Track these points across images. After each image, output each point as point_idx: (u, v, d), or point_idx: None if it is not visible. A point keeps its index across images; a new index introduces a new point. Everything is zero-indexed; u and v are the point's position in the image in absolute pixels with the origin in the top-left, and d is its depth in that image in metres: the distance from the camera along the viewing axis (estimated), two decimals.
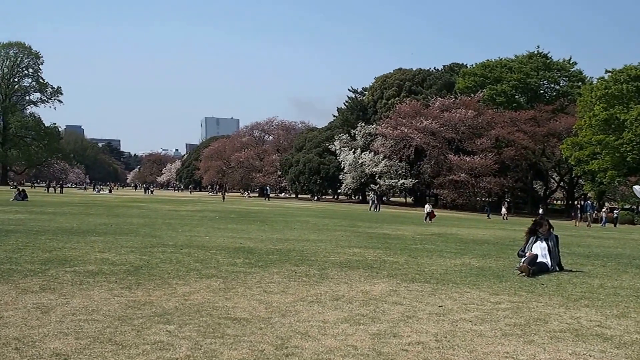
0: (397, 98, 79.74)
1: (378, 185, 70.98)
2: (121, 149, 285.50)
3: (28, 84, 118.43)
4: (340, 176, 77.60)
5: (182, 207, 37.41)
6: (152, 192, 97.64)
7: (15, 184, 75.88)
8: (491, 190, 64.23)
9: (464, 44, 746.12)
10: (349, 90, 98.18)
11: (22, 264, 9.70)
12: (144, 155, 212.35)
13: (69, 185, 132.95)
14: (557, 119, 63.59)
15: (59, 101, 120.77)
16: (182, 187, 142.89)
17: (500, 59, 75.18)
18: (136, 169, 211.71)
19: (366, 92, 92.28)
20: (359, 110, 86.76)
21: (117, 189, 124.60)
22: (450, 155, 65.57)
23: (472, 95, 70.19)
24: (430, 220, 34.01)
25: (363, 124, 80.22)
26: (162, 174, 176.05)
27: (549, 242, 11.37)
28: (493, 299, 8.10)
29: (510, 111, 66.46)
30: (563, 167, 69.07)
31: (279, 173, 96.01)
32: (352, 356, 5.17)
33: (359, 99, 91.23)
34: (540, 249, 11.32)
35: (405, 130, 67.83)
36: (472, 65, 79.89)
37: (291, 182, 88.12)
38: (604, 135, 51.81)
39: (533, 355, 5.39)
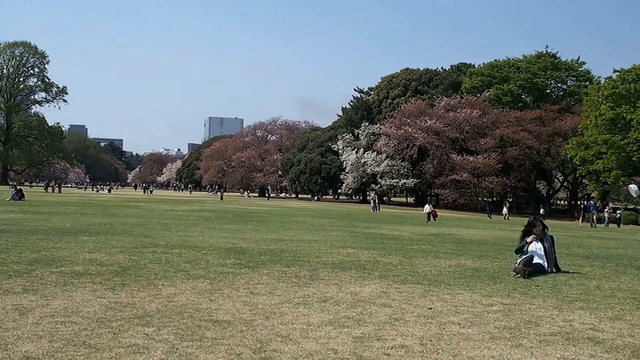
0: (402, 98, 79.52)
1: (379, 185, 70.78)
2: (123, 149, 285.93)
3: (33, 84, 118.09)
4: (342, 176, 77.43)
5: (180, 207, 37.30)
6: (151, 191, 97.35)
7: (14, 183, 75.50)
8: (493, 190, 63.98)
9: (472, 44, 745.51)
10: (354, 90, 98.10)
11: (9, 264, 9.58)
12: (145, 155, 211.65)
13: (70, 185, 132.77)
14: (562, 118, 63.22)
15: (64, 101, 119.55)
16: (182, 187, 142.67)
17: (508, 59, 74.77)
18: (137, 169, 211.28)
19: (372, 92, 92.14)
20: (363, 110, 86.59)
21: (117, 188, 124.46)
22: (453, 155, 65.33)
23: (479, 95, 69.97)
24: (434, 219, 33.82)
25: (367, 124, 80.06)
26: (163, 173, 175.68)
27: (544, 243, 11.19)
28: (485, 301, 7.95)
29: (515, 111, 66.18)
30: (567, 166, 68.76)
31: (280, 173, 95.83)
32: None
33: (364, 99, 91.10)
34: (536, 250, 11.15)
35: (409, 129, 67.60)
36: (479, 65, 79.60)
37: (291, 181, 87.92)
38: (610, 134, 51.52)
39: (520, 359, 5.24)
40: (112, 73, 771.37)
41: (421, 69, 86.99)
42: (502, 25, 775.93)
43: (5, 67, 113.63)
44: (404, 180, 70.27)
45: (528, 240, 11.28)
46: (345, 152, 78.46)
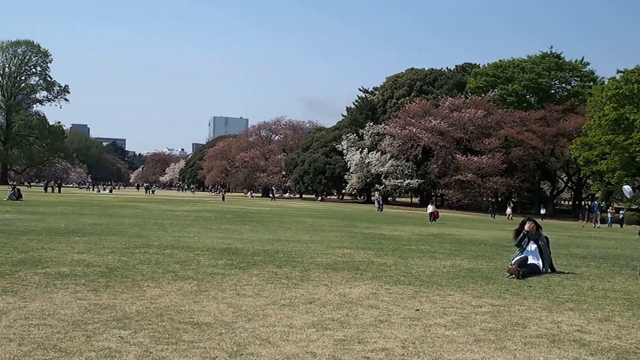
0: (407, 98, 79.51)
1: (383, 186, 70.64)
2: (126, 149, 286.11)
3: (35, 82, 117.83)
4: (346, 176, 77.35)
5: (180, 207, 37.19)
6: (153, 192, 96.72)
7: (15, 183, 75.16)
8: (497, 190, 63.83)
9: (477, 45, 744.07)
10: (359, 90, 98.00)
11: None
12: (148, 154, 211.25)
13: (71, 185, 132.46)
14: (567, 118, 63.08)
15: (65, 99, 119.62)
16: (185, 187, 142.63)
17: (513, 59, 74.63)
18: (139, 169, 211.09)
19: (377, 92, 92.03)
20: (368, 110, 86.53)
21: (119, 188, 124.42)
22: (457, 155, 65.21)
23: (483, 95, 69.84)
24: (434, 220, 33.60)
25: (372, 124, 79.95)
26: (165, 173, 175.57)
27: (539, 243, 11.05)
28: (475, 302, 7.82)
29: (520, 111, 66.05)
30: (572, 167, 68.56)
31: (284, 173, 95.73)
32: None
33: (368, 99, 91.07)
34: (531, 251, 11.01)
35: (414, 130, 67.51)
36: (484, 66, 79.46)
37: (295, 182, 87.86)
38: (614, 135, 51.34)
39: None
40: (116, 72, 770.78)
41: (426, 69, 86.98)
42: (506, 25, 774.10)
43: (7, 65, 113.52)
44: (409, 181, 70.15)
45: (526, 228, 11.17)
46: (349, 152, 78.39)
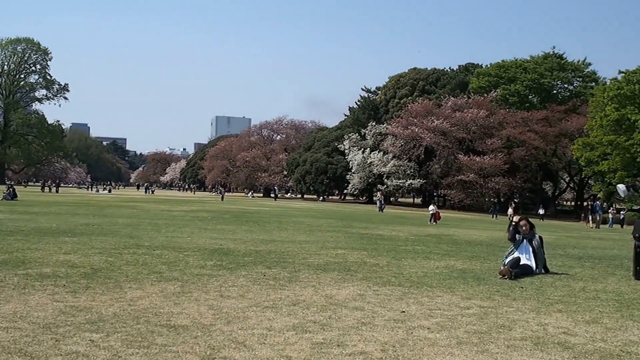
0: (410, 97, 79.52)
1: (385, 186, 70.49)
2: (127, 148, 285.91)
3: (34, 81, 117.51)
4: (348, 176, 77.20)
5: (177, 207, 36.99)
6: (152, 192, 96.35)
7: (12, 182, 74.78)
8: (499, 190, 63.69)
9: (482, 44, 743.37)
10: (362, 89, 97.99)
11: None
12: (149, 154, 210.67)
13: (70, 184, 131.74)
14: (569, 119, 63.01)
15: (65, 98, 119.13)
16: (185, 187, 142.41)
17: (515, 60, 74.61)
18: (140, 169, 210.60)
19: (379, 92, 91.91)
20: (370, 110, 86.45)
21: (119, 188, 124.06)
22: (460, 155, 65.11)
23: (486, 95, 69.74)
24: (435, 222, 33.28)
25: (374, 124, 79.87)
26: (166, 173, 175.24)
27: (533, 243, 10.89)
28: (463, 304, 7.66)
29: (522, 111, 65.95)
30: (574, 167, 68.39)
31: (285, 173, 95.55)
32: None
33: (371, 99, 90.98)
34: (524, 251, 10.85)
35: (416, 129, 67.43)
36: (486, 66, 79.37)
37: (297, 182, 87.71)
38: (615, 135, 51.17)
39: None
40: (117, 70, 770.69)
41: (429, 69, 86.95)
42: (509, 25, 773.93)
43: (6, 63, 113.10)
44: (411, 181, 70.05)
45: (515, 220, 11.09)
46: (351, 152, 78.27)
